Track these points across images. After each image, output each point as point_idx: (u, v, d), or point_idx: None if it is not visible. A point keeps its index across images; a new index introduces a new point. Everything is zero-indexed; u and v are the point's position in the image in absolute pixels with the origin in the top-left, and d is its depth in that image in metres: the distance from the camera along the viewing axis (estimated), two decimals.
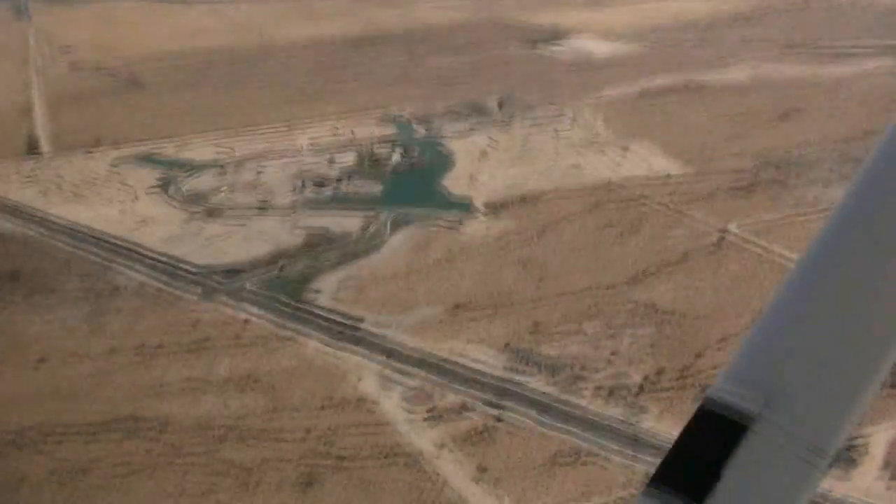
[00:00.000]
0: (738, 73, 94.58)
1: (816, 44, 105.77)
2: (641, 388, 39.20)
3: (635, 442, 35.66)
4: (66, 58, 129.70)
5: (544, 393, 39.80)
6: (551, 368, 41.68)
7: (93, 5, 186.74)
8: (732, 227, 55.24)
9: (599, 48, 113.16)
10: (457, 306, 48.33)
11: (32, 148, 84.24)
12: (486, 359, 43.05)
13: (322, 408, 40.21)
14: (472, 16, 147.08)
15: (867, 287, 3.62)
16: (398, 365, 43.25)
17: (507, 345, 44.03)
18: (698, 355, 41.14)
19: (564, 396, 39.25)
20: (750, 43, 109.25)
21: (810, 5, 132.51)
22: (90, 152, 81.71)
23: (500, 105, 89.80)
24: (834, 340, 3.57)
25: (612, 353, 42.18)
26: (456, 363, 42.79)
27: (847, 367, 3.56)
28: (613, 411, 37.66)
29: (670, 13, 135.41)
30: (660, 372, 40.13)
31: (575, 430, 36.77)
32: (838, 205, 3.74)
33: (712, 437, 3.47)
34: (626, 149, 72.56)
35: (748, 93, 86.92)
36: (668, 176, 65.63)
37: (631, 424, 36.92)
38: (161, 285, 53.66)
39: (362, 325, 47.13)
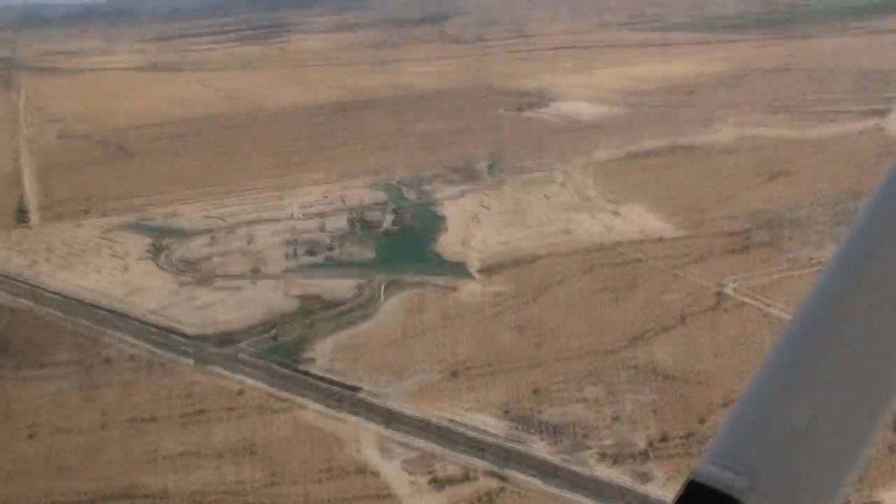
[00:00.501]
0: (723, 136, 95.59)
1: (799, 106, 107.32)
2: (646, 453, 38.59)
3: None
4: (54, 127, 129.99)
5: (547, 459, 39.13)
6: (553, 434, 41.05)
7: (80, 75, 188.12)
8: (728, 289, 55.16)
9: (586, 111, 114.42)
10: (454, 372, 47.78)
11: (22, 218, 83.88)
12: (486, 426, 42.37)
13: (321, 477, 39.35)
14: (459, 81, 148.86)
15: (854, 359, 3.39)
16: (397, 432, 42.52)
17: (507, 411, 43.41)
18: (702, 420, 40.61)
19: (568, 463, 38.57)
20: (734, 106, 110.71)
21: (790, 69, 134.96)
22: (79, 222, 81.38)
23: (490, 169, 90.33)
24: (820, 415, 3.37)
25: (615, 419, 41.61)
26: (456, 430, 42.10)
27: (834, 443, 3.38)
28: (620, 478, 37.02)
29: (654, 76, 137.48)
30: (664, 437, 39.55)
31: (581, 497, 36.08)
32: (821, 271, 3.55)
33: None
34: (616, 212, 72.83)
35: (735, 154, 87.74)
36: (661, 239, 65.76)
37: (638, 491, 36.25)
38: (153, 356, 52.92)
39: (359, 393, 46.46)
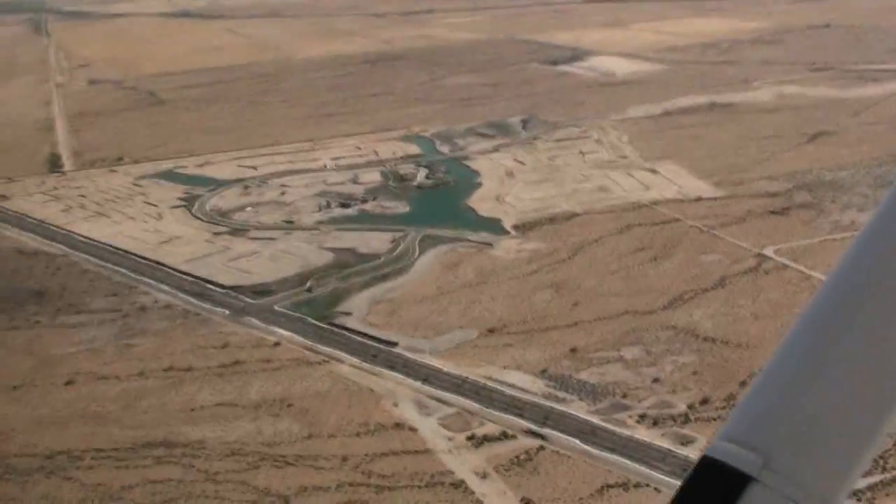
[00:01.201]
0: (762, 95, 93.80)
1: (839, 66, 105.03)
2: (687, 416, 38.21)
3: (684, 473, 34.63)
4: (85, 73, 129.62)
5: (586, 420, 38.84)
6: (592, 395, 40.72)
7: (110, 21, 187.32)
8: (769, 251, 54.34)
9: (621, 67, 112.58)
10: (491, 330, 47.49)
11: (55, 164, 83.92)
12: (523, 384, 42.11)
13: (358, 433, 39.30)
14: (491, 34, 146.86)
15: (868, 346, 3.53)
16: (434, 389, 42.36)
17: (544, 370, 43.10)
18: (743, 383, 40.13)
19: (607, 424, 38.28)
20: (772, 64, 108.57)
21: (830, 28, 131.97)
22: (112, 169, 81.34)
23: (524, 124, 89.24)
24: (834, 400, 3.52)
25: (654, 381, 41.21)
26: (493, 388, 41.89)
27: (847, 428, 3.52)
28: (660, 441, 36.69)
29: (690, 33, 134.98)
30: (705, 400, 39.14)
31: (621, 458, 35.80)
32: (842, 256, 3.67)
33: (710, 499, 3.42)
34: (653, 170, 71.80)
35: (774, 114, 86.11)
36: (699, 198, 64.83)
37: (679, 454, 35.92)
38: (188, 305, 52.95)
39: (395, 349, 46.30)
